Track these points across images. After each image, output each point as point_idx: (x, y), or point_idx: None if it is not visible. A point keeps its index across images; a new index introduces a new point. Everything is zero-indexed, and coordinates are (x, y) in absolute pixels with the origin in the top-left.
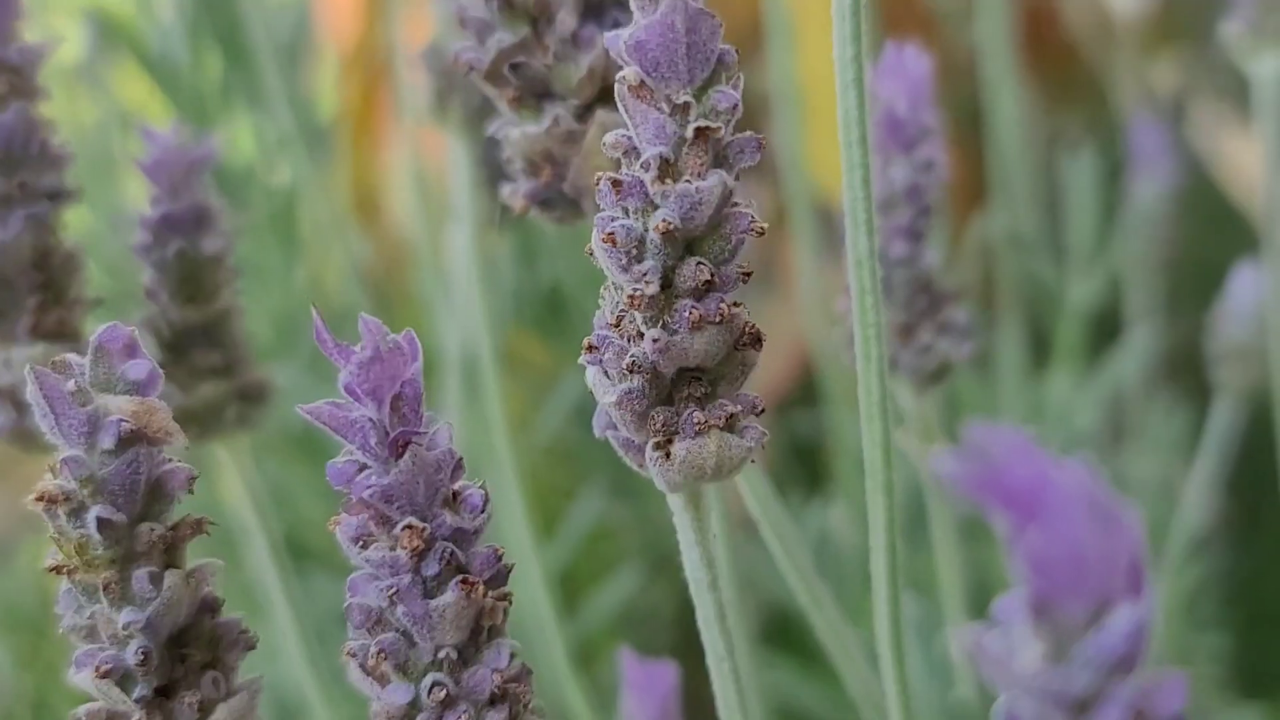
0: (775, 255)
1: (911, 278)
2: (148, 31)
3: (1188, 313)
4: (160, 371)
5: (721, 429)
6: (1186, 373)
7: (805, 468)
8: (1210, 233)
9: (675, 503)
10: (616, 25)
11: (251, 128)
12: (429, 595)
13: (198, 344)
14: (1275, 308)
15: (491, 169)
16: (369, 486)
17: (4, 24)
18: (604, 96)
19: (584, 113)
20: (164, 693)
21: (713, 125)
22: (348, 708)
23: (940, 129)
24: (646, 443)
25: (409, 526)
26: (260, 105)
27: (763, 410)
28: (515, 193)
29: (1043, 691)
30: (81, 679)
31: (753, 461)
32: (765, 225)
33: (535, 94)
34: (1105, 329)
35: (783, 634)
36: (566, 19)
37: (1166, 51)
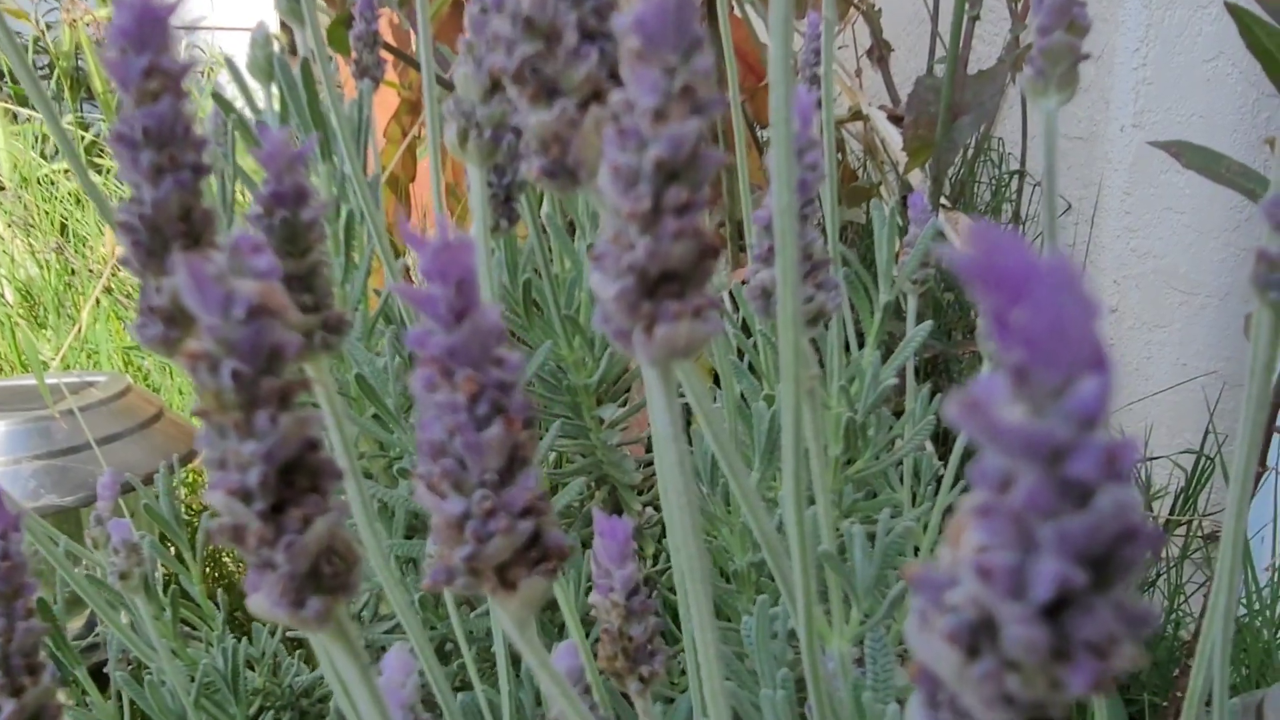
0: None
1: (799, 247)
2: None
3: (941, 320)
4: (279, 264)
5: (691, 317)
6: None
7: None
8: (947, 273)
9: (651, 375)
10: (603, 51)
11: (326, 177)
12: (480, 429)
13: (295, 288)
14: None
15: (495, 192)
16: (437, 345)
17: (161, 40)
18: (595, 96)
19: (582, 106)
20: (276, 509)
21: (694, 83)
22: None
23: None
24: (634, 328)
25: (468, 376)
26: (331, 162)
27: (719, 306)
28: (530, 167)
29: (1028, 439)
30: (214, 498)
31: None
32: (728, 157)
33: (547, 91)
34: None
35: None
36: (570, 37)
37: (917, 164)
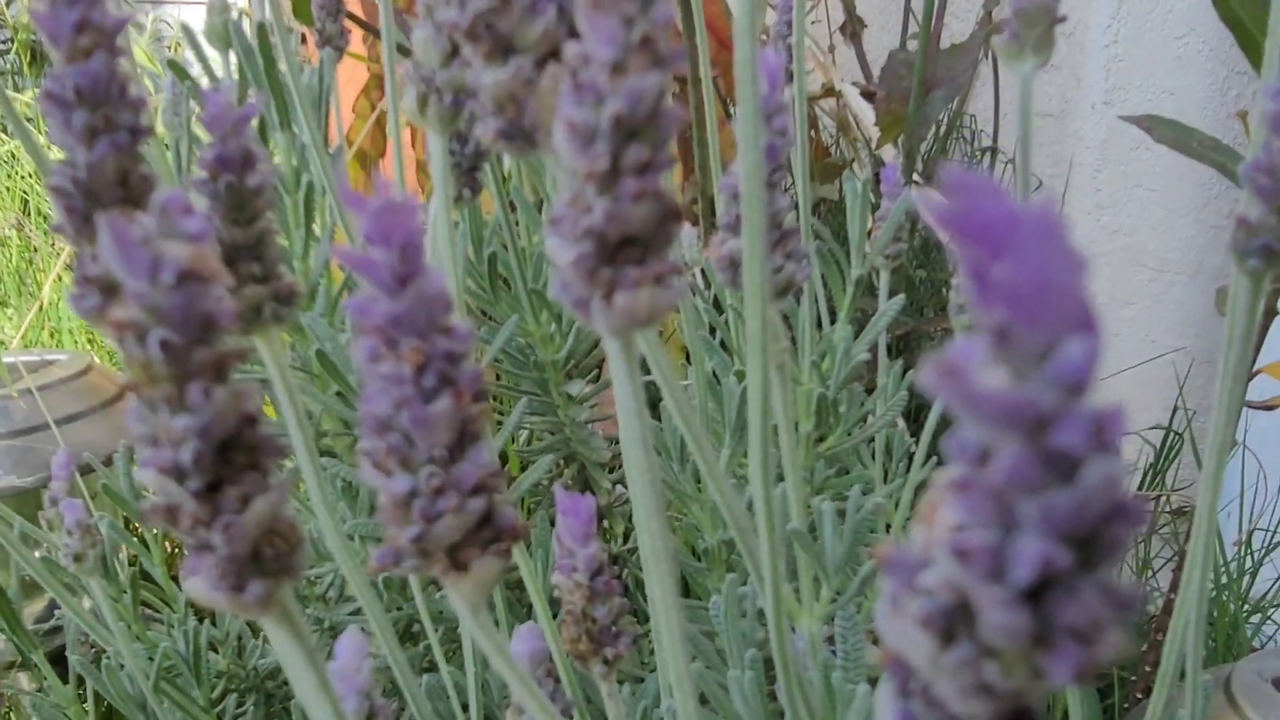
0: None
1: (768, 216)
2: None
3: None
4: (211, 226)
5: (652, 284)
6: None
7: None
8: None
9: (612, 346)
10: (561, 7)
11: (285, 146)
12: (427, 402)
13: (243, 257)
14: None
15: (457, 161)
16: (380, 313)
17: None
18: (553, 55)
19: (539, 64)
20: (213, 487)
21: (655, 34)
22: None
23: (790, 108)
24: (593, 296)
25: (413, 346)
26: (290, 132)
27: (681, 272)
28: (486, 129)
29: (1009, 407)
30: (145, 476)
31: (676, 310)
32: (690, 118)
33: (502, 49)
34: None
35: None
36: None
37: (889, 139)
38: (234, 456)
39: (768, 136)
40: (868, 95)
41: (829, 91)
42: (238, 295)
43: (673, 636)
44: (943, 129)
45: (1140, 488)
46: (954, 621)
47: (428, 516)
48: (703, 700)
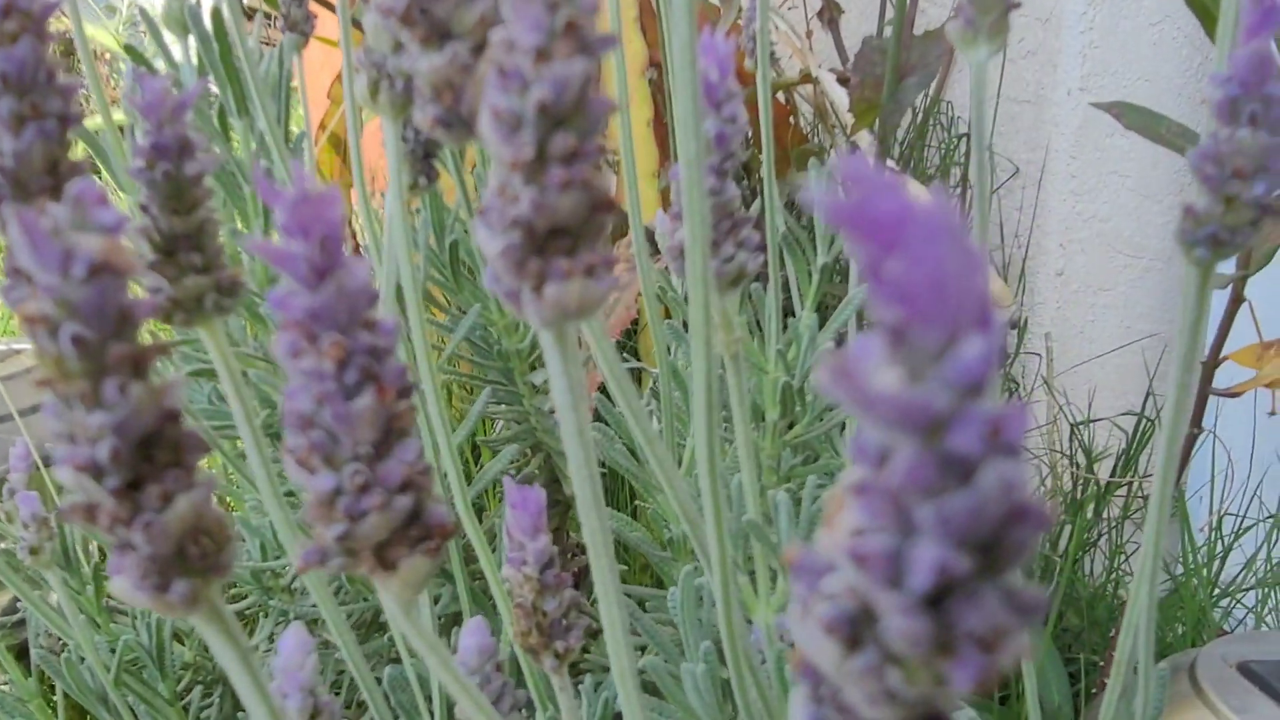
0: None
1: (718, 205)
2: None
3: None
4: (126, 217)
5: (583, 276)
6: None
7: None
8: None
9: (546, 338)
10: None
11: (243, 135)
12: (349, 399)
13: (182, 247)
14: None
15: (413, 148)
16: (299, 307)
17: None
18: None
19: (476, 50)
20: (133, 485)
21: (579, 20)
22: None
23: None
24: (522, 287)
25: (334, 341)
26: (249, 119)
27: (615, 264)
28: (424, 116)
29: (903, 409)
30: (63, 474)
31: (609, 304)
32: (618, 105)
33: (439, 34)
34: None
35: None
36: None
37: (863, 126)
38: (155, 453)
39: (718, 124)
40: (843, 81)
41: (806, 78)
42: (178, 286)
43: (614, 629)
44: (919, 116)
45: (1112, 474)
46: (858, 627)
47: (352, 514)
48: (660, 693)
